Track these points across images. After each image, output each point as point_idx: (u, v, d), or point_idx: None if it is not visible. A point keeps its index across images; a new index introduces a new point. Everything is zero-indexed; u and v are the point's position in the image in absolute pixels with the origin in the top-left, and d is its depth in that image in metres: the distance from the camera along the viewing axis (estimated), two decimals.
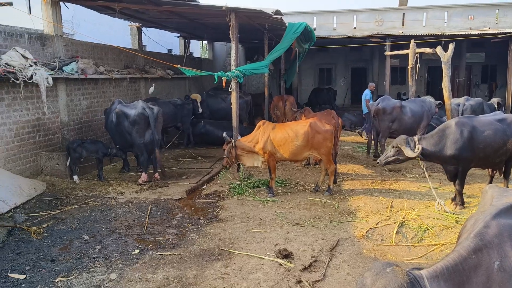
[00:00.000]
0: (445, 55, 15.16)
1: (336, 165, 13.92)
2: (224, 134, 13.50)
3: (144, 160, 15.05)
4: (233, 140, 13.33)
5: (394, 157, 11.54)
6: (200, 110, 21.40)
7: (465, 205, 11.82)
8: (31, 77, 13.55)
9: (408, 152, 11.16)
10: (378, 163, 12.07)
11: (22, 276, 8.75)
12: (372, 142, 18.21)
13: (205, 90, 25.58)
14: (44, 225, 11.34)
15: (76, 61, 16.32)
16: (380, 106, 17.00)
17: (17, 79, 13.36)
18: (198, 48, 41.40)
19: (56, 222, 11.62)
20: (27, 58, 13.74)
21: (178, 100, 21.33)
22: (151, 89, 20.97)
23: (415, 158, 11.27)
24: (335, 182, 13.97)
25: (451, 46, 15.47)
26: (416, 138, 11.49)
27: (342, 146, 20.57)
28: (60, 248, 10.16)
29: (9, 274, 8.89)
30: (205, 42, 40.58)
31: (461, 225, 9.77)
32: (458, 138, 11.16)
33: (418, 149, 11.12)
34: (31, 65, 13.77)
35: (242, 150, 13.37)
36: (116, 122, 14.94)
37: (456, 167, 11.60)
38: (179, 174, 16.28)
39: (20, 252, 9.87)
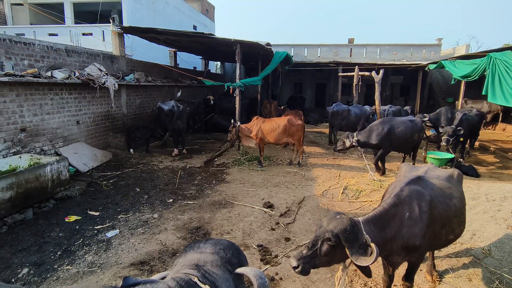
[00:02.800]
0: (377, 77, 15.11)
1: (303, 147, 13.50)
2: (233, 121, 13.06)
3: (175, 140, 14.62)
4: (238, 124, 13.00)
5: (341, 146, 11.57)
6: (212, 102, 20.23)
7: (386, 176, 11.71)
8: (104, 83, 13.32)
9: (347, 143, 11.36)
10: (333, 149, 11.87)
11: (97, 213, 8.85)
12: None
13: (217, 95, 24.32)
14: (111, 181, 11.18)
15: (133, 73, 15.99)
16: (334, 109, 16.58)
17: (95, 84, 13.16)
18: (214, 66, 40.76)
19: (119, 179, 11.37)
20: (102, 70, 13.53)
21: (197, 100, 20.47)
22: (179, 94, 20.08)
23: (352, 146, 11.30)
24: (302, 159, 13.65)
25: (381, 71, 15.28)
26: (355, 133, 11.44)
27: (308, 135, 20.07)
28: (121, 196, 10.05)
29: (88, 212, 8.99)
30: (218, 62, 40.01)
31: (384, 189, 10.20)
32: (380, 132, 11.20)
33: (353, 140, 11.29)
34: (104, 75, 13.54)
35: (242, 133, 12.92)
36: (158, 114, 14.59)
37: (379, 151, 11.48)
38: (199, 150, 15.66)
39: (95, 197, 9.86)
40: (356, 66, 18.64)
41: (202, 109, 19.82)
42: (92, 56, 14.09)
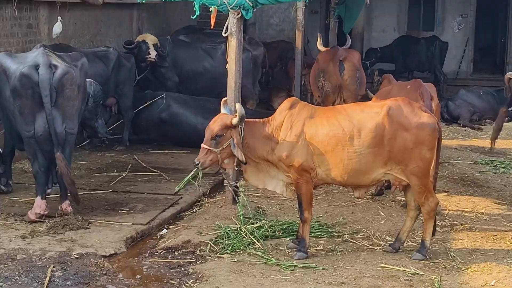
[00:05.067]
0: None
1: (435, 197, 8.03)
2: (223, 107, 7.85)
3: (39, 171, 8.67)
4: (238, 118, 7.32)
5: None
6: (153, 55, 13.66)
7: None
8: None
9: None
10: None
11: None
12: None
13: (172, 33, 17.37)
14: None
15: None
16: None
17: None
18: None
19: None
20: None
21: (111, 49, 13.59)
22: (57, 27, 12.43)
23: None
24: (433, 234, 8.08)
25: None
26: None
27: (449, 155, 13.62)
28: None
29: None
30: None
31: None
32: None
33: None
34: None
35: (249, 147, 7.48)
36: None
37: None
38: (113, 203, 10.02)
39: None
40: None
41: (125, 76, 13.47)
42: None
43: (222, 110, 7.94)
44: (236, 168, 8.60)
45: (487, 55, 27.75)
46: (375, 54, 21.60)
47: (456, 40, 24.44)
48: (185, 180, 10.09)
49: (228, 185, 9.57)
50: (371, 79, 18.61)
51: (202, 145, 7.53)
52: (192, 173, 9.79)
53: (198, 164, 7.60)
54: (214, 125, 7.62)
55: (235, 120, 7.32)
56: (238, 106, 7.79)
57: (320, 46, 13.77)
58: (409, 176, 7.45)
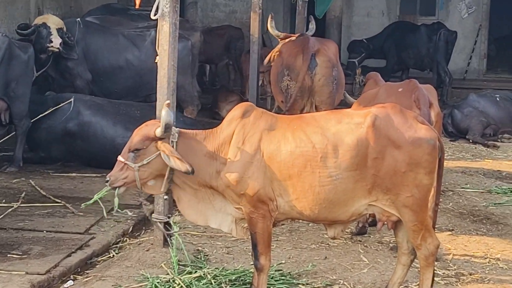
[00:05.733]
0: None
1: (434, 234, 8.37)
2: (165, 108, 7.62)
3: None
4: (162, 122, 7.40)
5: None
6: (56, 44, 13.90)
7: None
8: None
9: None
10: None
11: None
12: None
13: (82, 14, 17.77)
14: None
15: None
16: None
17: None
18: None
19: None
20: None
21: (0, 35, 13.97)
22: None
23: None
24: (432, 287, 8.44)
25: None
26: None
27: (454, 181, 13.96)
28: None
29: None
30: None
31: None
32: None
33: None
34: None
35: (180, 176, 7.56)
36: None
37: None
38: (0, 245, 10.33)
39: None
40: None
41: (18, 72, 13.60)
42: None
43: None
44: (166, 197, 8.44)
45: (505, 48, 28.27)
46: (364, 48, 21.84)
47: (465, 28, 25.01)
48: (95, 197, 9.48)
49: (157, 220, 9.49)
50: (351, 79, 18.78)
51: (119, 157, 7.60)
52: (103, 191, 9.10)
53: (108, 181, 7.74)
54: (135, 135, 7.75)
55: (158, 131, 7.42)
56: (164, 111, 7.71)
57: (272, 30, 13.72)
58: (400, 209, 7.43)
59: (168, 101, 8.30)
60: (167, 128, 7.27)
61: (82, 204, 9.83)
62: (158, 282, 8.27)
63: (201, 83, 17.94)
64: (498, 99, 17.27)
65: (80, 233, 10.54)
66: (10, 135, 14.16)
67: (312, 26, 14.14)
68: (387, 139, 7.36)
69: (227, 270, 8.81)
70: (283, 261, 9.64)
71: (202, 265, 9.22)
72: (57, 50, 14.01)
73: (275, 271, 8.86)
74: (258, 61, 15.20)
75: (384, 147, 7.39)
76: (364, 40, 22.61)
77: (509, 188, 13.52)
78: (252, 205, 7.38)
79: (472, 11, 24.40)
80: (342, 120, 7.58)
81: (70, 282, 8.80)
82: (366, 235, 10.99)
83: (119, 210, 8.85)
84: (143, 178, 7.52)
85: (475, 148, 16.37)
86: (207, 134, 7.67)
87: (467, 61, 24.28)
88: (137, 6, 10.70)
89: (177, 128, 7.78)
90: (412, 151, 7.31)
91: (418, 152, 7.33)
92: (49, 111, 13.31)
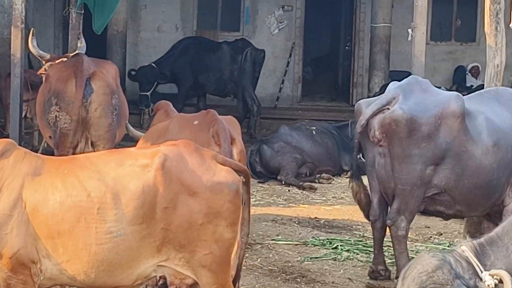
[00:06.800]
0: None
1: None
2: None
3: None
4: None
5: None
6: None
7: None
8: None
9: None
10: None
11: None
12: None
13: None
14: None
15: None
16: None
17: None
18: None
19: None
20: None
21: None
22: None
23: None
24: None
25: None
26: None
27: (263, 232, 14.25)
28: None
29: None
30: None
31: None
32: None
33: None
34: None
35: None
36: None
37: None
38: None
39: None
40: None
41: None
42: None
43: None
44: None
45: (323, 70, 29.62)
46: (155, 76, 21.98)
47: (275, 46, 26.25)
48: None
49: None
50: (138, 109, 19.00)
51: None
52: None
53: None
54: None
55: None
56: None
57: (35, 50, 13.58)
58: (197, 270, 7.62)
59: None
60: None
61: None
62: None
63: None
64: (314, 132, 17.84)
65: None
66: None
67: (82, 43, 14.10)
68: (180, 184, 7.56)
69: None
70: None
71: None
72: None
73: None
74: (21, 87, 15.03)
75: (176, 194, 7.55)
76: (152, 64, 22.79)
77: (327, 239, 13.93)
78: (9, 269, 7.38)
79: (284, 26, 25.17)
80: (124, 162, 7.70)
81: None
82: None
83: None
84: None
85: (289, 191, 16.75)
86: None
87: (279, 85, 24.91)
88: None
89: None
90: (210, 198, 7.52)
91: (217, 199, 7.57)
92: None
